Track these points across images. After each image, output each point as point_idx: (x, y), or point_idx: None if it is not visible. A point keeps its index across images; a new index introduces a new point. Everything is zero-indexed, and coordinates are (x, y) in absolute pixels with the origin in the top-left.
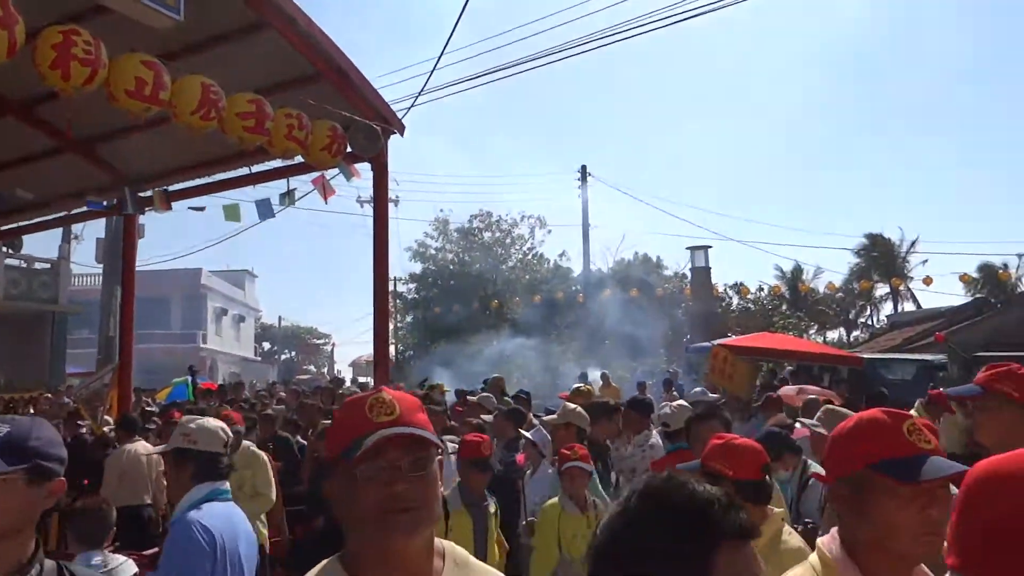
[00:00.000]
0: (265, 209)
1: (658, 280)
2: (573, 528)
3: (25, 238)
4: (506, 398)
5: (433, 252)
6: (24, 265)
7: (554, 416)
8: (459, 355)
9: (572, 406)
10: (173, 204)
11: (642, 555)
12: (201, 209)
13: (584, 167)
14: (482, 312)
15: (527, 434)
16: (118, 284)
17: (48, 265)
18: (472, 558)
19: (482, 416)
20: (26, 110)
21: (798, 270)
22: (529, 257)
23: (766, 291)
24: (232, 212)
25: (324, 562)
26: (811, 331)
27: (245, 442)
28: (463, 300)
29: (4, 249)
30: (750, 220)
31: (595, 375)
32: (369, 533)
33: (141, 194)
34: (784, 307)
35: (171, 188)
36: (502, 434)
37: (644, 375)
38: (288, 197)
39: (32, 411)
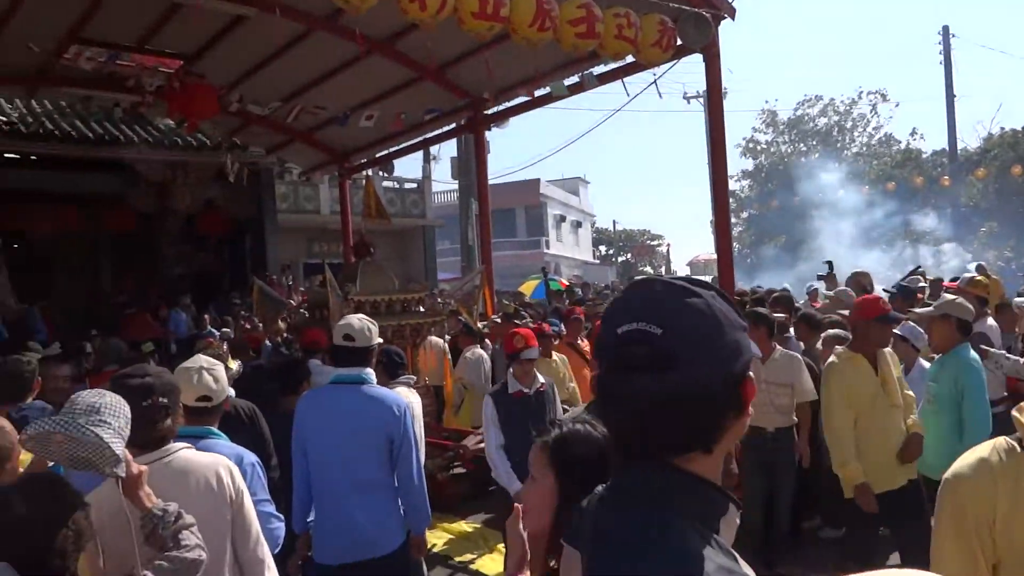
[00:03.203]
0: (590, 84)
1: None
2: None
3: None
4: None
5: (764, 146)
6: (396, 186)
7: (930, 308)
8: (799, 251)
9: (952, 297)
10: (512, 120)
11: None
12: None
13: (946, 27)
14: (824, 205)
15: (896, 329)
16: (471, 198)
17: (415, 185)
18: None
19: (840, 312)
20: (389, 46)
21: None
22: (873, 141)
23: None
24: (558, 88)
25: None
26: None
27: None
28: (802, 194)
29: (380, 173)
30: None
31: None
32: None
33: (486, 112)
34: None
35: (510, 104)
36: None
37: None
38: (591, 81)
39: (422, 308)
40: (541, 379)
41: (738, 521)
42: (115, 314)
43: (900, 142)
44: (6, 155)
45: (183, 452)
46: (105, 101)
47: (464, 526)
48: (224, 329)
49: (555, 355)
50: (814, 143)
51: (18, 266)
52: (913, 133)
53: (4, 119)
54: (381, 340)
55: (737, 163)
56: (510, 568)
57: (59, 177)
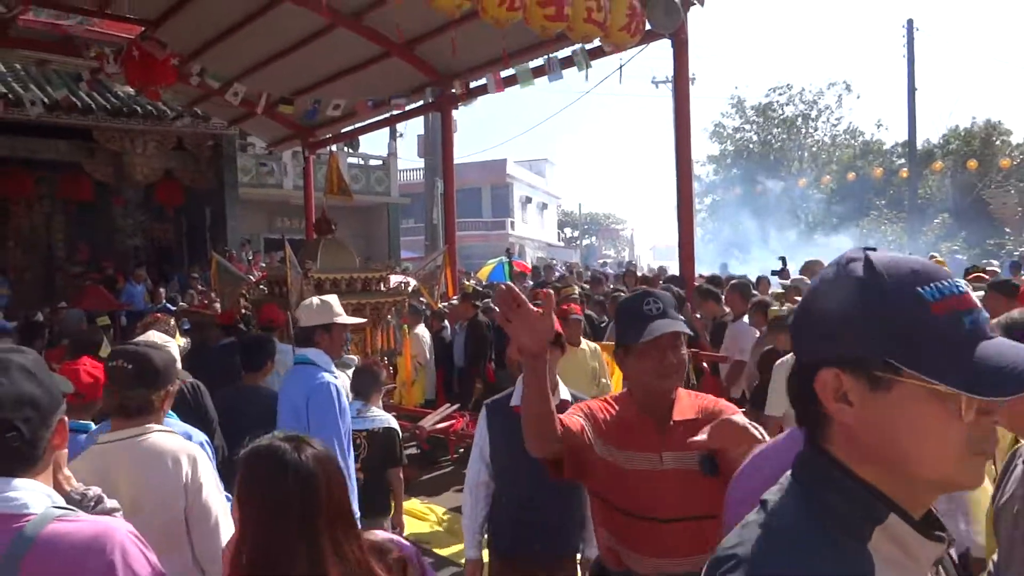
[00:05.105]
0: (554, 71)
1: (1002, 149)
2: None
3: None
4: None
5: (731, 132)
6: (362, 162)
7: None
8: (762, 239)
9: None
10: (480, 98)
11: None
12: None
13: (911, 21)
14: (787, 193)
15: None
16: (437, 176)
17: (381, 162)
18: None
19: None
20: (355, 20)
21: None
22: (838, 129)
23: None
24: (525, 75)
25: None
26: None
27: None
28: (765, 181)
29: (345, 149)
30: None
31: None
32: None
33: (453, 90)
34: None
35: (476, 83)
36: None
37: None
38: (583, 59)
39: (383, 288)
40: (566, 392)
41: (916, 539)
42: (69, 284)
43: (864, 133)
44: None
45: (154, 435)
46: (65, 66)
47: (417, 505)
48: (181, 304)
49: (584, 343)
50: (779, 131)
51: None
52: (879, 125)
53: None
54: (341, 320)
55: (704, 148)
56: None
57: (12, 142)
